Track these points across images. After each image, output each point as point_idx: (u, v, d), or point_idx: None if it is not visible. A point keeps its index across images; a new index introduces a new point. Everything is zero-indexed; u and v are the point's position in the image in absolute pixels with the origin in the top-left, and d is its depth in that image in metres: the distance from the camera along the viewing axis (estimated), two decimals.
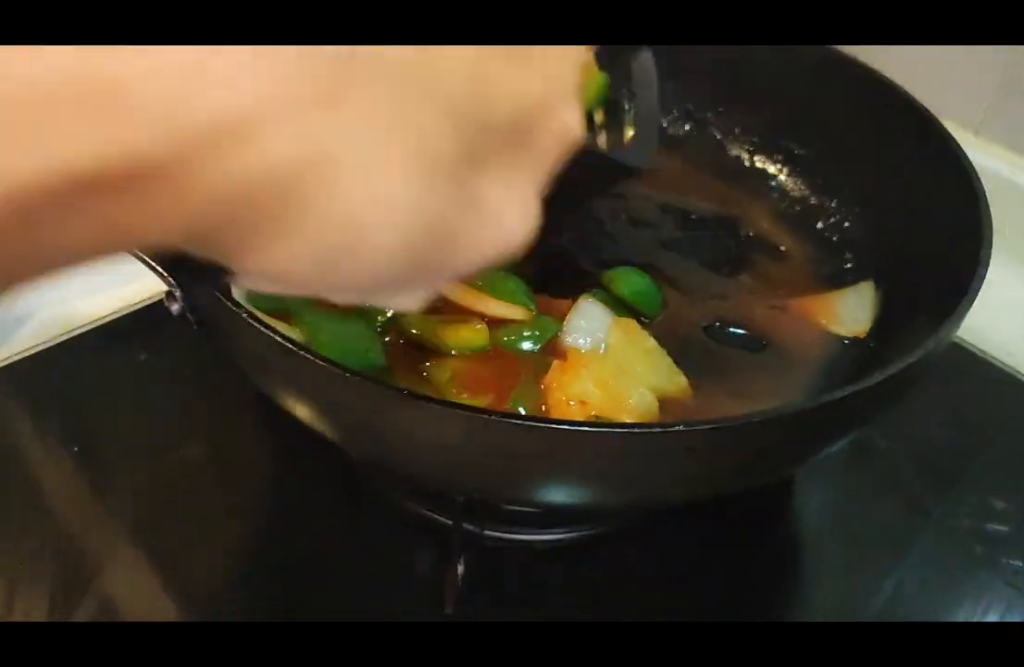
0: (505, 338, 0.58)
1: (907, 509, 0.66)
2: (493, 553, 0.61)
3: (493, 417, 0.42)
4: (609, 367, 0.55)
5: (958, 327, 0.50)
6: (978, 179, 0.58)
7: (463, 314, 0.60)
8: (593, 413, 0.54)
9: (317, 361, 0.44)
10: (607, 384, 0.54)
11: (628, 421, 0.53)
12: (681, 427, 0.42)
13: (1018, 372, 0.77)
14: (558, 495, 0.47)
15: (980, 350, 0.78)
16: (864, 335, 0.63)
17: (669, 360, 0.59)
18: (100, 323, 0.76)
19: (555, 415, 0.54)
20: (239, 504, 0.64)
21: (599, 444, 0.42)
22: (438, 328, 0.56)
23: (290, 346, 0.44)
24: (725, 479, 0.47)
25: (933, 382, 0.56)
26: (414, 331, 0.57)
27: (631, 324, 0.60)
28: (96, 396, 0.70)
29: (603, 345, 0.59)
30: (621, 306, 0.62)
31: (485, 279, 0.61)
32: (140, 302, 0.76)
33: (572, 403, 0.54)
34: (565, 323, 0.60)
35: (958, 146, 0.61)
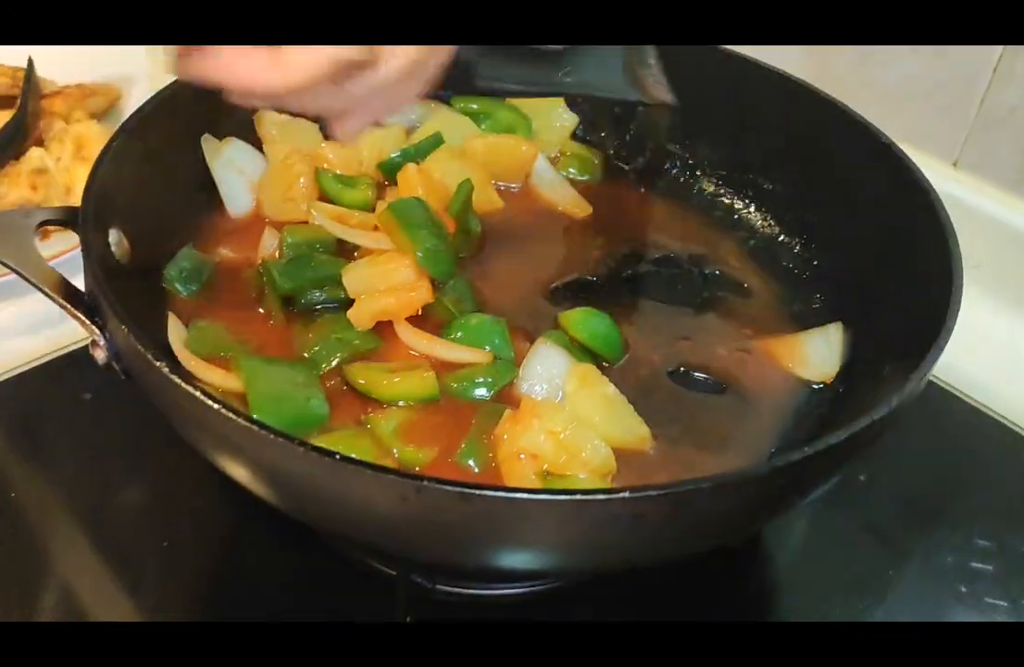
0: (456, 385, 0.56)
1: (887, 547, 0.64)
2: (445, 608, 0.58)
3: (426, 483, 0.39)
4: (564, 417, 0.52)
5: (924, 382, 0.47)
6: (951, 225, 0.56)
7: (413, 359, 0.57)
8: (545, 467, 0.51)
9: (241, 421, 0.41)
10: (560, 436, 0.51)
11: (582, 476, 0.51)
12: (627, 494, 0.39)
13: (996, 412, 0.74)
14: (499, 561, 0.44)
15: (959, 390, 0.75)
16: (831, 381, 0.61)
17: (630, 408, 0.56)
18: (45, 360, 0.72)
19: (505, 469, 0.51)
20: (180, 549, 0.61)
21: (540, 512, 0.40)
22: (384, 377, 0.54)
23: (211, 403, 0.41)
24: (679, 544, 0.45)
25: (913, 421, 0.53)
26: (360, 381, 0.54)
27: (590, 370, 0.57)
28: (40, 438, 0.68)
29: (560, 393, 0.56)
30: (581, 349, 0.60)
31: (460, 321, 0.59)
32: (86, 338, 0.73)
33: (523, 456, 0.51)
34: (521, 368, 0.57)
35: (930, 186, 0.59)
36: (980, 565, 0.63)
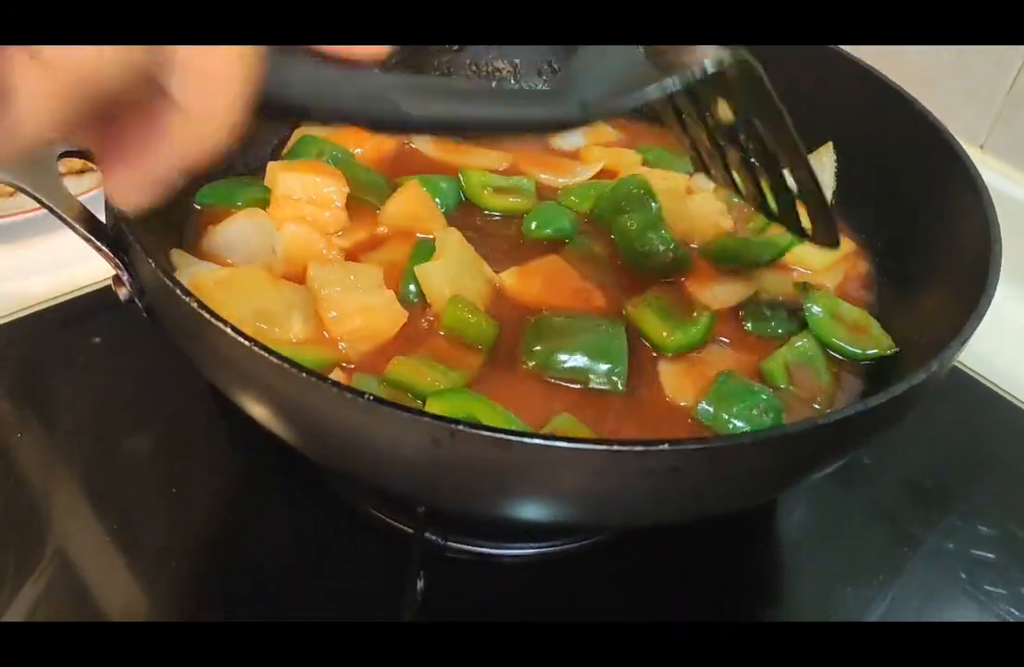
0: None
1: (891, 532, 0.63)
2: (457, 566, 0.58)
3: (461, 427, 0.38)
4: None
5: (963, 347, 0.47)
6: (989, 198, 0.55)
7: None
8: None
9: (273, 359, 0.40)
10: None
11: None
12: (666, 446, 0.38)
13: (1012, 396, 0.74)
14: (525, 511, 0.43)
15: (973, 371, 0.75)
16: None
17: None
18: (55, 302, 0.71)
19: None
20: (191, 500, 0.60)
21: (578, 461, 0.39)
22: None
23: (242, 340, 0.40)
24: (709, 501, 0.44)
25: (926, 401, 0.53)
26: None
27: None
28: (47, 379, 0.66)
29: None
30: None
31: None
32: (98, 282, 0.72)
33: None
34: None
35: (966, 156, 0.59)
36: (982, 553, 0.63)
